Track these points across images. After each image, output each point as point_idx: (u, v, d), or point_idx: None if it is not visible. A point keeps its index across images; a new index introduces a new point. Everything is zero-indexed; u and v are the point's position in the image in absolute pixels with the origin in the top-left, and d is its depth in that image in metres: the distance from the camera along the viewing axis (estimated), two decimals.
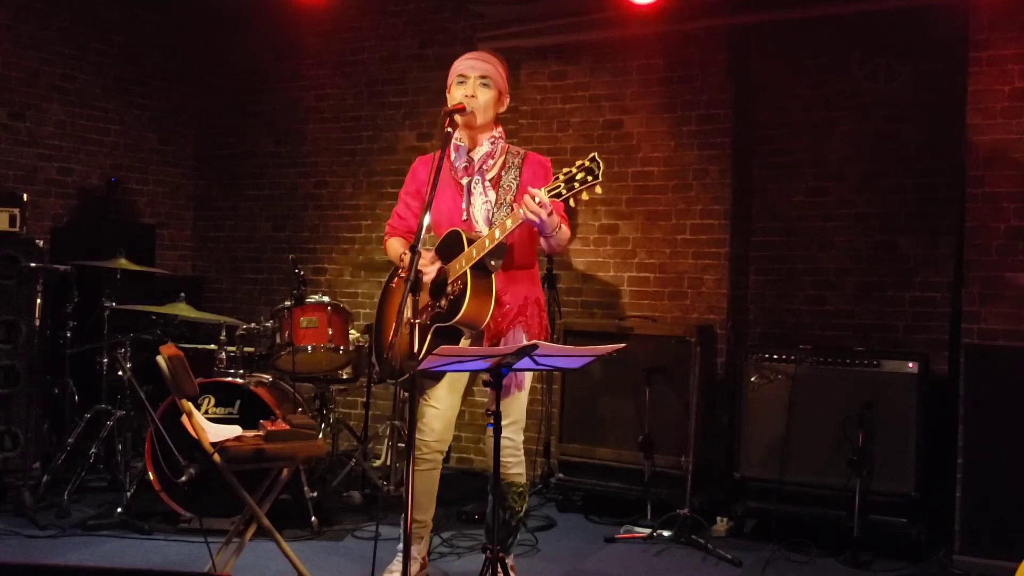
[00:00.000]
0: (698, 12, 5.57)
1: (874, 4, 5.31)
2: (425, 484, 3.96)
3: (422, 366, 3.15)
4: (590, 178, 3.37)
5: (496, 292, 3.70)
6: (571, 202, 3.43)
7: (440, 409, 3.92)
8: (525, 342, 3.69)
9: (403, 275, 3.68)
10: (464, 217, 3.85)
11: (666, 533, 4.87)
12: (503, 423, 3.65)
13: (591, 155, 3.40)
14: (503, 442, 3.68)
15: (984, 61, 4.70)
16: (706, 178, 5.67)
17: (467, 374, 3.98)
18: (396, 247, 3.99)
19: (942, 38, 5.23)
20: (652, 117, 5.82)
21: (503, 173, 3.86)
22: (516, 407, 3.89)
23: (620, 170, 5.86)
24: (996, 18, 4.69)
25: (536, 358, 3.17)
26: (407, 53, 6.81)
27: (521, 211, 3.49)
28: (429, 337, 3.69)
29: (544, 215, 3.47)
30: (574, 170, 3.40)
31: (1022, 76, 4.63)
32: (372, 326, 4.18)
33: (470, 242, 3.68)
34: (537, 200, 3.44)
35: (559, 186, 3.42)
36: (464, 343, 3.77)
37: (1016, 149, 4.63)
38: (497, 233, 3.60)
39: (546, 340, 3.83)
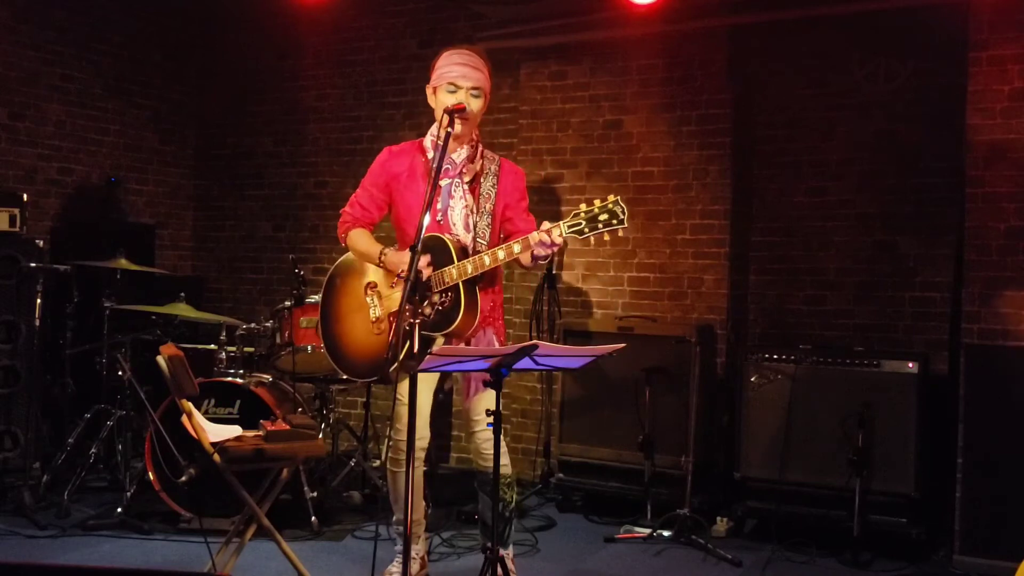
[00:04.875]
0: (698, 12, 5.57)
1: (874, 4, 5.31)
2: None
3: (422, 367, 3.15)
4: (614, 221, 3.44)
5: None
6: (591, 240, 3.48)
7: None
8: (496, 342, 3.81)
9: (402, 275, 3.67)
10: (439, 218, 3.86)
11: (666, 533, 4.87)
12: (481, 418, 3.77)
13: (614, 197, 3.45)
14: (485, 435, 3.79)
15: (984, 61, 4.70)
16: (706, 178, 5.67)
17: (437, 373, 3.99)
18: (365, 243, 3.93)
19: (942, 38, 5.23)
20: (652, 117, 5.82)
21: (482, 179, 3.89)
22: (493, 401, 3.90)
23: (620, 170, 5.86)
24: (996, 18, 4.68)
25: (536, 358, 3.18)
26: (407, 53, 6.81)
27: (531, 241, 3.54)
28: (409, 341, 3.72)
29: (553, 252, 3.57)
30: (596, 209, 3.45)
31: (1022, 76, 4.63)
32: (319, 324, 4.12)
33: (459, 255, 3.69)
34: (551, 239, 3.49)
35: (580, 224, 3.47)
36: (439, 341, 3.78)
37: (1016, 149, 4.63)
38: (501, 255, 3.63)
39: (505, 340, 3.95)
